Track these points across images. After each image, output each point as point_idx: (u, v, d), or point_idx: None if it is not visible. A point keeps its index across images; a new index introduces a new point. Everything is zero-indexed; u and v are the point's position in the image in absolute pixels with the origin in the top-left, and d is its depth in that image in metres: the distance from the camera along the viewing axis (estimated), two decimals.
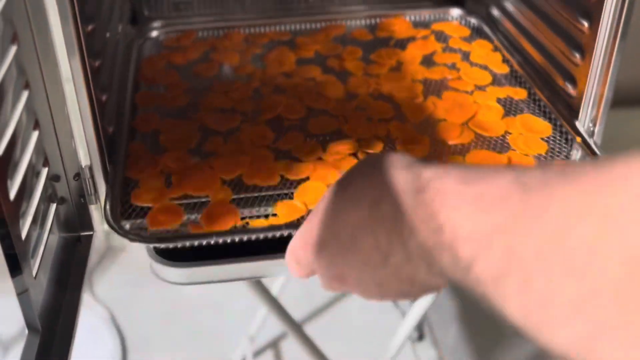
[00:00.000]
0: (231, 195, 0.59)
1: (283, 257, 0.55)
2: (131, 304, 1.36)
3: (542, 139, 0.65)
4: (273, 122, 0.68)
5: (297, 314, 1.26)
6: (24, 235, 0.45)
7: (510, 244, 0.29)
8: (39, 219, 0.50)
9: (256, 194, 0.59)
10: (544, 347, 0.29)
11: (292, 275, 0.47)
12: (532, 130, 0.65)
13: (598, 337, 0.26)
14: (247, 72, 0.77)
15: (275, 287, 1.21)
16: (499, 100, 0.71)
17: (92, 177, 0.55)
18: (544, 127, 0.66)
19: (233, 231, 0.55)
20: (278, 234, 0.54)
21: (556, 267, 0.27)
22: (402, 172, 0.37)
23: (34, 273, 0.47)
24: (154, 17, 0.87)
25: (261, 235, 0.54)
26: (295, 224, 0.55)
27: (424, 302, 0.78)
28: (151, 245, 0.55)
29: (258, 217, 0.58)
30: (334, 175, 0.60)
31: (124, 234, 0.54)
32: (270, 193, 0.60)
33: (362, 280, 0.40)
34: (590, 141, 0.62)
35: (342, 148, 0.64)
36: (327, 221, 0.41)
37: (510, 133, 0.66)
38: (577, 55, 0.61)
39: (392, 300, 0.42)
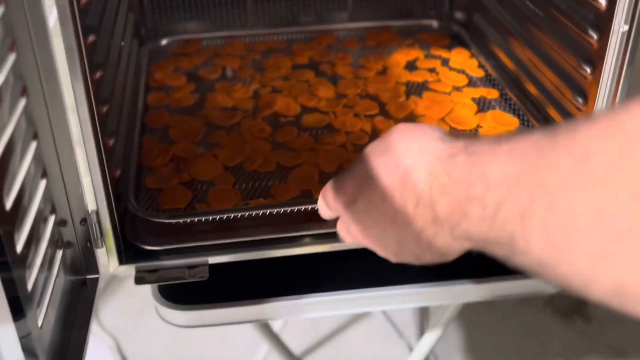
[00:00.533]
0: (233, 179, 0.67)
1: (289, 299, 0.61)
2: (137, 332, 1.34)
3: (510, 131, 0.73)
4: (270, 118, 0.76)
5: (302, 344, 1.28)
6: (31, 282, 0.46)
7: (537, 178, 0.31)
8: (46, 264, 0.51)
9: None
10: (563, 280, 0.30)
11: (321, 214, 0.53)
12: (501, 124, 0.73)
13: (617, 244, 0.27)
14: (247, 75, 0.85)
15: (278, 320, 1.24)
16: (473, 99, 0.79)
17: (99, 221, 0.56)
18: (512, 121, 0.74)
19: (236, 209, 0.62)
20: (275, 210, 0.61)
21: (579, 184, 0.28)
22: (437, 143, 0.40)
23: (39, 322, 0.47)
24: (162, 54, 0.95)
25: (260, 212, 0.61)
26: (290, 202, 0.63)
27: (431, 337, 0.83)
28: (160, 249, 0.60)
29: (257, 198, 0.65)
30: (325, 162, 0.68)
31: (139, 210, 0.61)
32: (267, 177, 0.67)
33: (383, 237, 0.45)
34: None
35: (332, 140, 0.72)
36: (360, 181, 0.45)
37: (481, 126, 0.74)
38: (580, 100, 0.65)
39: (406, 261, 0.46)
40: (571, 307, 1.39)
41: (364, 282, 0.63)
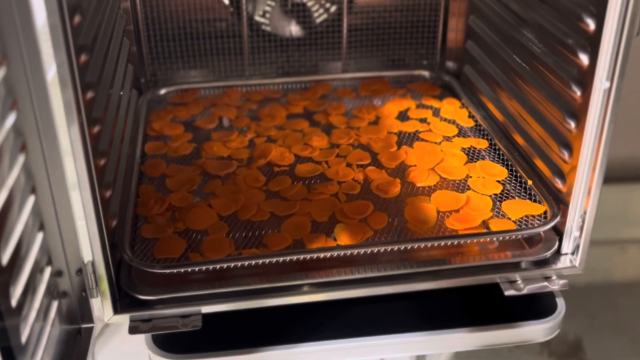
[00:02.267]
0: (227, 229, 0.68)
1: (282, 348, 0.62)
2: None
3: (498, 181, 0.74)
4: (265, 167, 0.78)
5: None
6: (25, 332, 0.47)
7: None
8: (42, 314, 0.51)
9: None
10: None
11: None
12: (489, 174, 0.75)
13: None
14: (243, 125, 0.87)
15: None
16: (463, 149, 0.81)
17: (94, 272, 0.57)
18: (501, 171, 0.76)
19: (228, 259, 0.63)
20: (267, 260, 0.62)
21: None
22: None
23: None
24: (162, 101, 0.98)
25: (253, 262, 0.62)
26: (282, 252, 0.64)
27: None
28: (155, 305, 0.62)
29: (250, 247, 0.66)
30: (317, 212, 0.69)
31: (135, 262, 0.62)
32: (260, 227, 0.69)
33: None
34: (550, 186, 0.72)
35: (325, 189, 0.73)
36: None
37: (470, 176, 0.75)
38: (566, 153, 0.66)
39: None
40: (568, 351, 1.39)
41: (358, 331, 0.64)
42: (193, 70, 0.98)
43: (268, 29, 0.97)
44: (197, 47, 0.96)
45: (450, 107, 0.90)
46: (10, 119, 0.47)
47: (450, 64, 1.00)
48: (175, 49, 0.96)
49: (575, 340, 1.41)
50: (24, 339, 0.47)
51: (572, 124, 0.64)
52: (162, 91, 0.96)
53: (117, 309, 0.61)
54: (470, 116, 0.88)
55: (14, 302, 0.46)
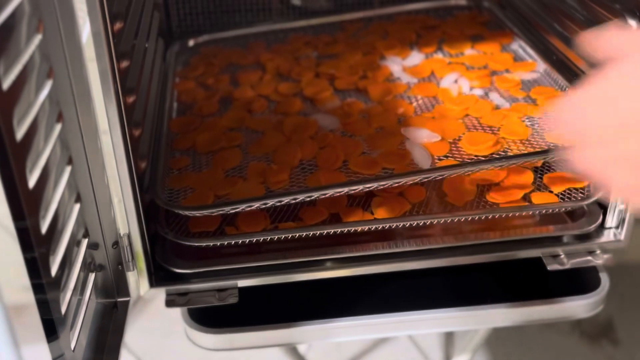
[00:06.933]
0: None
1: (317, 323, 0.61)
2: (162, 354, 1.31)
3: None
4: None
5: None
6: (64, 304, 0.47)
7: None
8: (79, 287, 0.52)
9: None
10: None
11: None
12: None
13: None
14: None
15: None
16: None
17: (130, 244, 0.57)
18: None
19: (265, 232, 0.61)
20: (303, 234, 0.61)
21: None
22: None
23: (72, 345, 0.48)
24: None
25: (289, 235, 0.61)
26: (318, 225, 0.62)
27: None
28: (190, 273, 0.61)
29: (286, 221, 0.65)
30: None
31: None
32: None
33: None
34: None
35: None
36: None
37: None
38: None
39: None
40: (599, 331, 1.36)
41: (394, 307, 0.63)
42: (219, 21, 0.98)
43: None
44: None
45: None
46: (47, 87, 0.46)
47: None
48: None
49: (606, 320, 1.38)
50: (62, 310, 0.47)
51: None
52: (190, 42, 0.96)
53: (153, 282, 0.60)
54: None
55: (53, 274, 0.45)
